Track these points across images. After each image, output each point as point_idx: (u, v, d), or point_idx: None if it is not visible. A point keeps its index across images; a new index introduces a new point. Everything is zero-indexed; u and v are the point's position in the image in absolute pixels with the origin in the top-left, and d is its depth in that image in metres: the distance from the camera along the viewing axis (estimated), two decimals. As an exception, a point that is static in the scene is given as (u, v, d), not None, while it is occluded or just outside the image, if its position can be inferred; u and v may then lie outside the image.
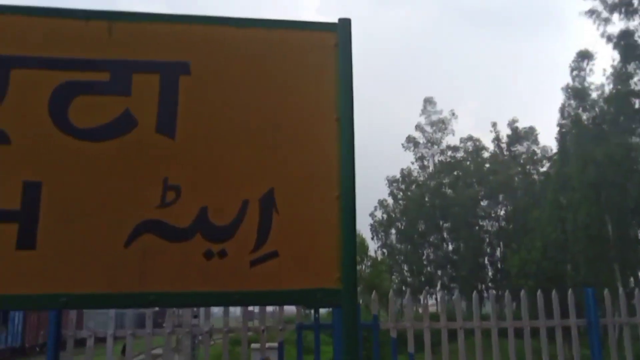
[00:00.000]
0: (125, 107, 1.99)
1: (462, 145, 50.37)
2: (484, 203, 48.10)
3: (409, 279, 46.92)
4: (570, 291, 5.49)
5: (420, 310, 5.72)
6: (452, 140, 50.94)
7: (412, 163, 50.62)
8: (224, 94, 2.09)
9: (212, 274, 1.95)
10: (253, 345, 7.75)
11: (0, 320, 27.26)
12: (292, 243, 2.02)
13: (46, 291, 1.85)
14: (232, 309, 5.53)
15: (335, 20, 2.25)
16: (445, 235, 48.14)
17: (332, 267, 2.02)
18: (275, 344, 5.13)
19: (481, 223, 48.22)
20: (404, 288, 42.98)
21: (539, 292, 5.39)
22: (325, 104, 2.15)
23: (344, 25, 2.23)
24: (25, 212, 1.86)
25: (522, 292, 5.41)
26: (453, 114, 50.92)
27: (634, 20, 30.23)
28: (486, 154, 49.86)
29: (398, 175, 49.95)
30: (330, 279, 2.02)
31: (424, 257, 48.35)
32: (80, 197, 1.91)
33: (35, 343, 31.15)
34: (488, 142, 50.82)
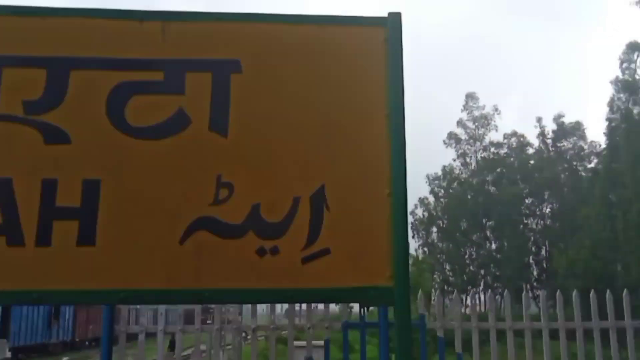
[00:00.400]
0: (179, 106, 2.02)
1: (505, 141, 49.36)
2: (528, 201, 47.02)
3: (451, 278, 46.27)
4: (625, 291, 5.29)
5: (466, 310, 5.62)
6: (495, 136, 49.92)
7: (454, 160, 49.89)
8: (274, 91, 2.10)
9: (265, 270, 1.95)
10: (296, 343, 7.78)
11: (52, 315, 28.30)
12: (343, 240, 2.01)
13: (105, 286, 1.90)
14: (277, 306, 5.57)
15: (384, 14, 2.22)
16: (488, 233, 47.29)
17: (384, 265, 2.00)
18: (320, 342, 5.14)
19: (526, 221, 47.16)
20: (445, 287, 42.41)
21: (592, 293, 5.21)
22: (375, 100, 2.13)
23: (394, 19, 2.20)
24: (85, 209, 1.91)
25: (575, 293, 5.24)
26: (496, 110, 49.91)
27: (688, 9, 28.95)
28: (531, 150, 48.72)
29: (439, 173, 49.32)
30: (382, 277, 2.00)
31: (467, 256, 47.60)
32: (136, 194, 1.95)
33: (85, 337, 32.18)
34: (533, 138, 49.52)
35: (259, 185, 2.02)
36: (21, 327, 25.69)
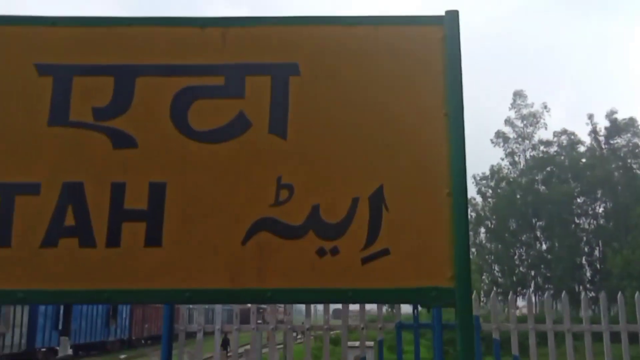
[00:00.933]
0: (239, 110, 2.07)
1: (555, 139, 47.89)
2: (580, 200, 45.48)
3: (500, 280, 45.25)
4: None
5: (518, 312, 5.50)
6: (544, 134, 48.52)
7: (502, 159, 48.71)
8: (332, 92, 2.11)
9: (325, 271, 1.97)
10: (349, 343, 7.79)
11: (110, 314, 29.29)
12: (403, 240, 2.01)
13: (172, 286, 1.95)
14: (320, 307, 5.59)
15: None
16: (538, 233, 46.01)
17: (445, 266, 1.99)
18: (371, 343, 5.13)
19: (577, 221, 45.64)
20: (494, 288, 41.54)
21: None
22: (433, 99, 2.12)
23: (451, 17, 2.18)
24: (151, 211, 1.98)
25: (637, 295, 5.04)
26: (545, 107, 48.46)
27: None
28: (582, 148, 47.12)
29: (486, 173, 48.30)
30: (443, 278, 1.98)
31: (516, 257, 46.44)
32: (200, 196, 2.00)
33: (141, 336, 33.15)
34: (584, 136, 47.89)
35: (318, 186, 2.03)
36: (81, 325, 26.75)
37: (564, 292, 5.61)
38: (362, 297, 2.07)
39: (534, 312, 5.26)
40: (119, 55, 2.10)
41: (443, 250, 1.99)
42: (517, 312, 5.60)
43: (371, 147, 2.07)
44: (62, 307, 24.37)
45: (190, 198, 2.00)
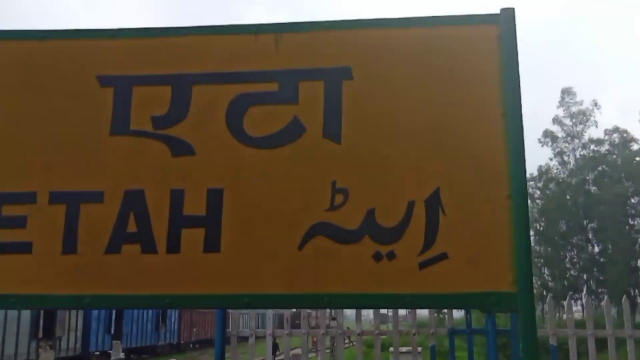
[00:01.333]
0: (294, 115, 2.08)
1: (606, 137, 46.22)
2: (634, 200, 43.71)
3: (550, 284, 43.96)
4: None
5: (565, 317, 5.32)
6: (594, 132, 46.90)
7: (551, 159, 47.33)
8: (386, 95, 2.10)
9: (382, 275, 1.95)
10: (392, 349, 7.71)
11: (159, 319, 29.99)
12: (461, 244, 1.97)
13: (231, 291, 1.97)
14: (364, 311, 5.56)
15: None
16: (590, 236, 44.46)
17: (506, 270, 1.94)
18: (418, 348, 5.06)
19: (632, 222, 43.86)
20: (544, 292, 40.35)
21: None
22: (490, 99, 2.07)
23: (507, 15, 2.13)
24: (210, 217, 2.00)
25: None
26: (595, 105, 46.86)
27: None
28: (635, 147, 45.29)
29: (534, 173, 47.04)
30: (504, 282, 1.93)
31: (567, 260, 45.02)
32: (257, 202, 2.02)
33: (189, 340, 33.79)
34: (638, 133, 46.05)
35: (373, 190, 2.02)
36: (132, 329, 27.49)
37: (624, 296, 5.38)
38: (421, 302, 2.04)
39: (582, 317, 5.07)
40: (176, 65, 2.15)
41: (503, 254, 1.95)
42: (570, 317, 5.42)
43: (426, 149, 2.05)
44: (114, 312, 25.09)
45: (247, 203, 2.02)
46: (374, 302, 2.05)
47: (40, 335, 20.72)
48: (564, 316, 8.90)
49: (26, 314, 19.70)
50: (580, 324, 5.05)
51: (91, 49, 2.19)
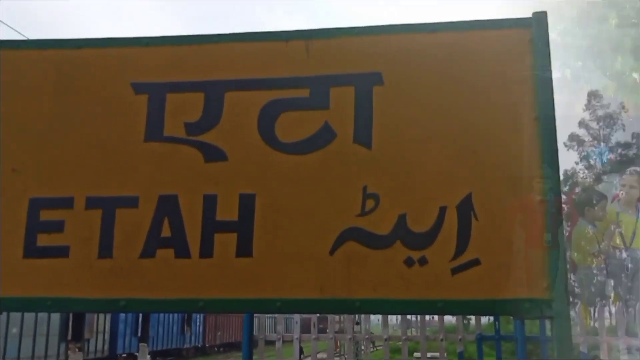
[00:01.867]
0: (324, 120, 2.09)
1: (634, 141, 45.28)
2: (665, 204, 42.70)
3: (576, 290, 43.17)
4: None
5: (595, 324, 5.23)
6: (622, 136, 45.96)
7: (577, 163, 46.56)
8: (417, 100, 2.09)
9: (414, 281, 1.94)
10: (417, 355, 7.67)
11: (185, 322, 30.23)
12: (494, 250, 1.95)
13: (263, 296, 1.99)
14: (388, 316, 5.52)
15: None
16: (618, 240, 43.55)
17: (540, 276, 1.91)
18: (437, 354, 5.03)
19: (663, 227, 42.84)
20: (571, 299, 39.62)
21: None
22: (522, 103, 2.05)
23: (539, 18, 2.11)
24: (242, 222, 2.02)
25: None
26: (623, 107, 45.94)
27: None
28: (666, 149, 44.27)
29: (561, 177, 46.29)
30: (537, 289, 1.90)
31: (594, 266, 44.16)
32: (288, 207, 2.03)
33: (214, 343, 33.95)
34: (667, 136, 44.92)
35: (404, 196, 2.02)
36: (158, 332, 27.75)
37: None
38: (453, 308, 2.02)
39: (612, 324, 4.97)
40: (209, 72, 2.18)
41: (537, 259, 1.92)
42: (595, 324, 5.32)
43: (458, 154, 2.03)
44: (140, 315, 25.37)
45: (279, 209, 2.03)
46: (405, 307, 2.04)
47: (70, 337, 21.05)
48: (592, 323, 8.72)
49: (55, 317, 20.03)
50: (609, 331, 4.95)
51: (125, 57, 2.24)
